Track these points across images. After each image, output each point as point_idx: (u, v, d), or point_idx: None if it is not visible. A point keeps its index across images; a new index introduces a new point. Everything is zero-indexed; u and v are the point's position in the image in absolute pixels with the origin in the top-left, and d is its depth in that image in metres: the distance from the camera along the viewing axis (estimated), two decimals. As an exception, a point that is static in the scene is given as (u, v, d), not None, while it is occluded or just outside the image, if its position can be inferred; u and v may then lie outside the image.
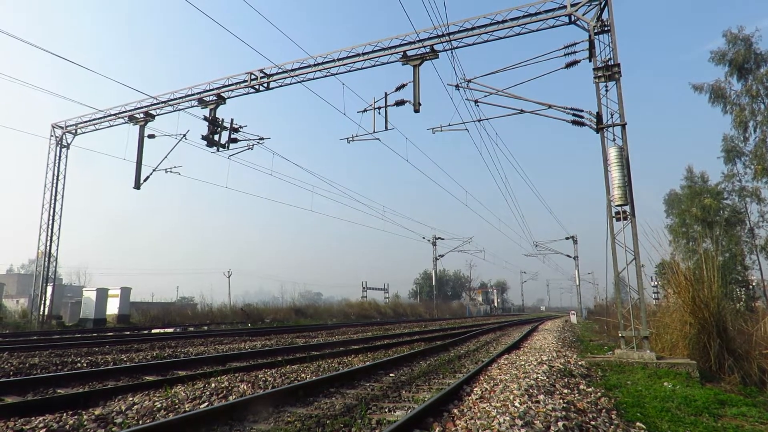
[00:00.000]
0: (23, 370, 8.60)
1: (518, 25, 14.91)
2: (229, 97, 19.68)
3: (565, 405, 5.78)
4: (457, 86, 14.84)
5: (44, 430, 4.70)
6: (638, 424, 5.49)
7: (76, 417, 5.23)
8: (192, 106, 20.35)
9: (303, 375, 8.33)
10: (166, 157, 21.32)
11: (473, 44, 15.76)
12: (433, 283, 60.81)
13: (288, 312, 36.38)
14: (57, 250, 25.29)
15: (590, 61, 13.04)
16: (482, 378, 8.06)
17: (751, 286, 28.58)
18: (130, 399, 6.27)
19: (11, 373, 8.37)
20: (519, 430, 4.56)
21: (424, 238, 53.90)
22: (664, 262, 12.63)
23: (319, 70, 17.92)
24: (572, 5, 13.72)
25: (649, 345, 10.71)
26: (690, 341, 10.49)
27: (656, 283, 25.28)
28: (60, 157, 25.39)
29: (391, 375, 8.67)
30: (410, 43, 16.30)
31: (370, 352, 12.38)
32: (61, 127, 25.20)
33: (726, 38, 27.20)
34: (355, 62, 17.36)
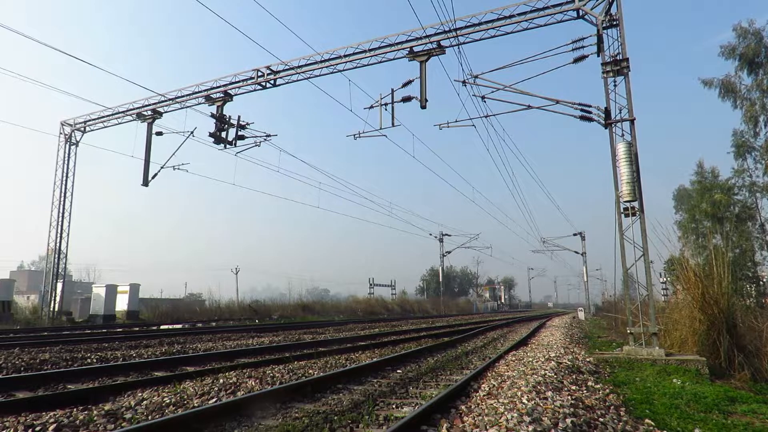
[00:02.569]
0: (34, 366, 8.70)
1: (525, 20, 14.82)
2: (236, 94, 19.74)
3: (573, 401, 5.76)
4: (464, 82, 14.76)
5: (54, 425, 4.74)
6: (647, 420, 5.45)
7: (86, 412, 5.28)
8: (199, 104, 20.45)
9: (310, 371, 8.36)
10: (173, 154, 21.48)
11: (480, 39, 15.69)
12: (440, 280, 60.76)
13: (295, 308, 36.51)
14: (67, 246, 25.57)
15: (598, 55, 12.93)
16: (490, 374, 8.05)
17: (761, 283, 28.26)
18: (140, 394, 6.32)
19: (22, 368, 8.47)
20: (527, 426, 4.54)
21: (431, 234, 53.93)
22: (674, 259, 12.53)
23: (326, 67, 17.90)
24: (580, -1, 13.60)
25: (658, 341, 10.64)
26: (699, 338, 10.40)
27: (665, 279, 25.04)
28: (69, 154, 25.61)
29: (398, 371, 8.68)
30: (417, 39, 16.25)
31: (378, 349, 12.41)
32: (70, 125, 25.40)
33: (736, 32, 26.77)
34: (361, 58, 17.33)
